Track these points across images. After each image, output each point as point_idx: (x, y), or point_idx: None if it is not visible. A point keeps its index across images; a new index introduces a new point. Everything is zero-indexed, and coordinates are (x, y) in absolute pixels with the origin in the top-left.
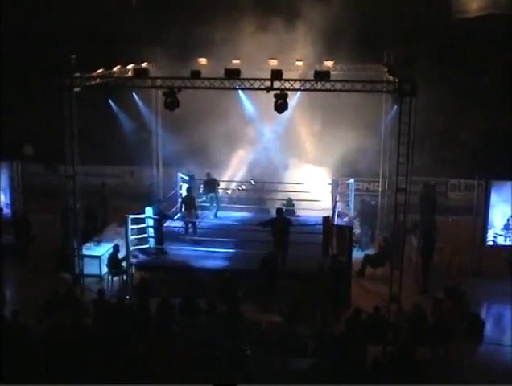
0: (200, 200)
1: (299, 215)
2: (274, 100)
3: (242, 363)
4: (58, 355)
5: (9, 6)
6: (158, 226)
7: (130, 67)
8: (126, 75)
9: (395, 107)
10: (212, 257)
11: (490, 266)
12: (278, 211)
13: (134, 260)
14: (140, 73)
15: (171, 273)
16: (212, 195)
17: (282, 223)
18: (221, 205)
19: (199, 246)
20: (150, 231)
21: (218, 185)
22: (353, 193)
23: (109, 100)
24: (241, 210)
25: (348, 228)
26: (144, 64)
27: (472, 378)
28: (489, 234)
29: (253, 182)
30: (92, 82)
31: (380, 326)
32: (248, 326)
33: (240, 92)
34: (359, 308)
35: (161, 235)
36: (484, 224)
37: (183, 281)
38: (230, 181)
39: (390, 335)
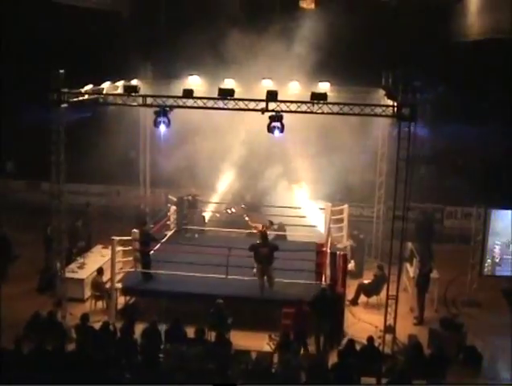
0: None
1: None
2: (268, 121)
3: None
4: (38, 382)
5: None
6: (145, 249)
7: (119, 83)
8: (116, 92)
9: (394, 131)
10: (201, 283)
11: (487, 297)
12: (262, 235)
13: (119, 284)
14: (130, 90)
15: (158, 299)
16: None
17: (267, 248)
18: (209, 228)
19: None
20: (137, 254)
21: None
22: (346, 219)
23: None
24: (229, 234)
25: (343, 256)
26: (134, 81)
27: None
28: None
29: (242, 206)
30: (81, 98)
31: (374, 358)
32: (237, 355)
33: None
34: (352, 339)
35: (148, 258)
36: (482, 254)
37: (171, 308)
38: (219, 203)
39: (384, 367)
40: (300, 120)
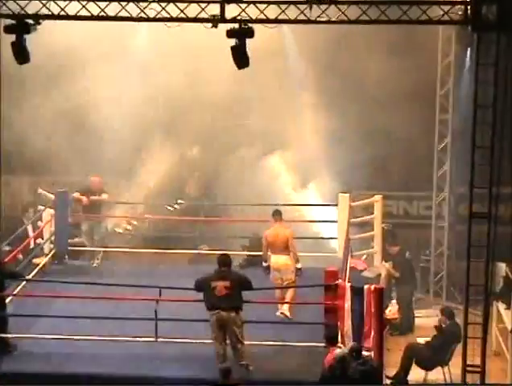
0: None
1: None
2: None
3: None
4: None
5: None
6: None
7: None
8: None
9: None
10: (108, 354)
11: None
12: (221, 260)
13: None
14: None
15: None
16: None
17: (227, 282)
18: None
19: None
20: None
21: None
22: (379, 222)
23: None
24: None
25: (376, 293)
26: None
27: None
28: None
29: (179, 203)
30: None
31: None
32: None
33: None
34: None
35: (1, 311)
36: None
37: None
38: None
39: None
40: (287, 38)
